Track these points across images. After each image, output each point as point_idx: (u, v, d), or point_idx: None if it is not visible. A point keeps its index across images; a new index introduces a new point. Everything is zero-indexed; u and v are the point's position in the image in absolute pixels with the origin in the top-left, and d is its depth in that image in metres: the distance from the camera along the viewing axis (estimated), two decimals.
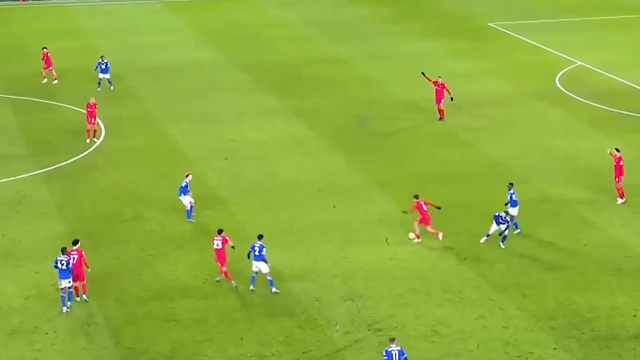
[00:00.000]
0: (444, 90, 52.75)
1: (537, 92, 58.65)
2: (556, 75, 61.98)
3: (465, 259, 37.63)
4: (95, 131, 49.94)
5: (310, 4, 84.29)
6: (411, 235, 38.86)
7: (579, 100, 57.17)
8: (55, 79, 59.18)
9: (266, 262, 34.77)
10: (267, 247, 34.79)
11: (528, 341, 32.06)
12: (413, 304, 34.31)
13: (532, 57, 66.82)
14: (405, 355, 29.01)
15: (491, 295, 34.92)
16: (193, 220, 40.59)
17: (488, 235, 38.36)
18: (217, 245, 35.35)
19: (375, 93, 58.92)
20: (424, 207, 38.72)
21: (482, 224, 39.91)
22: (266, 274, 34.85)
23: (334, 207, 42.15)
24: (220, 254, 35.34)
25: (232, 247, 35.83)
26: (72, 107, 55.07)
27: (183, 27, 76.32)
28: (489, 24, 76.59)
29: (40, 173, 46.04)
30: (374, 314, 33.67)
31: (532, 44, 70.30)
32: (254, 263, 34.83)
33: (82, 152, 48.49)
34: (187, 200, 40.57)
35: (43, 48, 59.94)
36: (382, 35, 73.22)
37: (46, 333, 32.51)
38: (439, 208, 39.26)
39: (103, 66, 57.19)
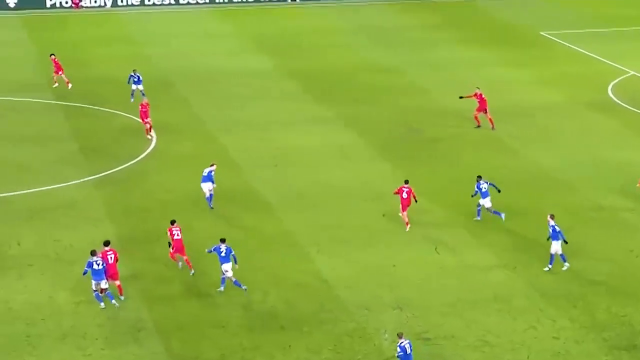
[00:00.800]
0: (485, 99, 52.51)
1: (589, 102, 58.12)
2: (608, 84, 61.38)
3: (514, 268, 37.37)
4: (150, 127, 51.17)
5: (360, 12, 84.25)
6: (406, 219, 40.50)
7: (632, 110, 56.57)
8: (68, 82, 59.71)
9: (236, 262, 35.24)
10: (313, 254, 34.67)
11: (579, 353, 31.76)
12: (462, 313, 34.14)
13: (584, 67, 66.24)
14: (411, 345, 29.85)
15: (541, 305, 34.64)
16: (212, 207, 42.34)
17: (564, 259, 37.21)
18: (177, 235, 36.47)
19: (423, 101, 58.70)
20: (404, 195, 39.99)
21: (530, 232, 39.64)
22: (230, 277, 35.16)
23: (384, 215, 42.04)
24: (179, 244, 36.37)
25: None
26: (123, 114, 55.47)
27: (232, 34, 76.64)
28: (541, 32, 76.04)
29: (92, 179, 46.43)
30: (423, 323, 33.53)
31: (584, 53, 69.70)
32: (222, 266, 35.21)
33: (133, 158, 48.83)
34: (207, 187, 42.28)
35: (51, 55, 60.69)
36: (432, 43, 72.97)
37: (96, 338, 32.74)
38: (416, 201, 40.54)
39: (135, 79, 57.62)
